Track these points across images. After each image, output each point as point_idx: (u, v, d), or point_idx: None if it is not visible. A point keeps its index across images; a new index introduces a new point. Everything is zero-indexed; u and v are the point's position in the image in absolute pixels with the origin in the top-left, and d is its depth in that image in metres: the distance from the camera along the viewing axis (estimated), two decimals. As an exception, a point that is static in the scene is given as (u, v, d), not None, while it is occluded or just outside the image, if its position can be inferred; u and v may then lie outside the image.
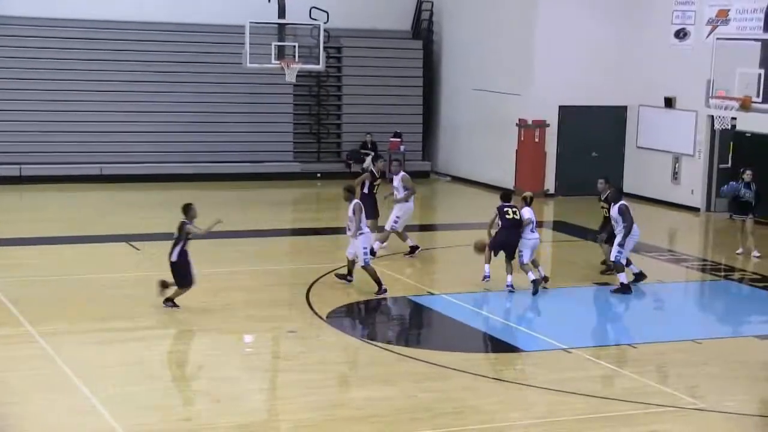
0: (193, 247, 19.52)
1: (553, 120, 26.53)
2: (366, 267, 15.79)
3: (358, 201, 15.99)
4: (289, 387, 12.46)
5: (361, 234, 15.74)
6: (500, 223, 16.66)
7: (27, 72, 26.40)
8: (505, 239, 16.58)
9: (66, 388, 11.79)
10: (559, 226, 23.15)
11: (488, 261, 16.55)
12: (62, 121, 26.74)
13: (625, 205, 16.80)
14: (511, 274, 16.53)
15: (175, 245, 15.10)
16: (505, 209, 16.64)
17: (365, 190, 18.86)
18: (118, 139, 27.06)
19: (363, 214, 15.87)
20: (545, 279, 16.91)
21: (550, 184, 26.69)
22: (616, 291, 16.66)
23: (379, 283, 15.78)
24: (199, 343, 13.75)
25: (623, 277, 16.66)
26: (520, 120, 26.64)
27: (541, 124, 26.48)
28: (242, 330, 14.53)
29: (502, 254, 16.50)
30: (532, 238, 16.62)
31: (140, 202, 24.31)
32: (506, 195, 17.14)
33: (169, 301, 14.98)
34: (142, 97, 27.23)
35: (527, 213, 16.78)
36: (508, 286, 16.50)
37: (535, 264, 16.74)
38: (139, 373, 12.40)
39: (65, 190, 25.31)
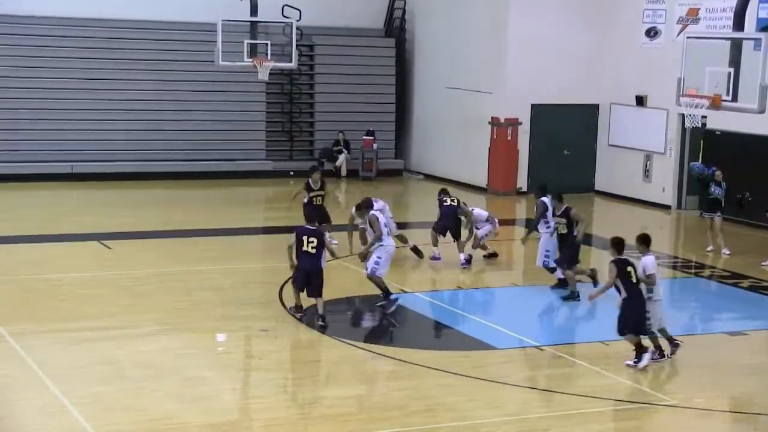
0: (165, 245, 19.55)
1: (525, 118, 26.61)
2: (371, 277, 15.27)
3: (374, 212, 15.58)
4: (261, 386, 12.43)
5: (381, 245, 15.21)
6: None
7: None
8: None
9: (37, 389, 11.70)
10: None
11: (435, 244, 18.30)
12: (32, 119, 26.52)
13: (541, 201, 16.81)
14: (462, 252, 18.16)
15: (320, 252, 14.41)
16: (444, 199, 18.48)
17: (305, 201, 18.72)
18: (90, 137, 26.90)
19: (381, 224, 15.31)
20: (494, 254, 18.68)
21: (522, 182, 26.76)
22: (556, 287, 16.65)
23: (386, 291, 15.27)
24: (171, 342, 13.69)
25: (559, 273, 16.69)
26: (492, 118, 26.70)
27: (514, 122, 26.55)
28: (214, 329, 14.48)
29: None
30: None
31: (112, 200, 24.18)
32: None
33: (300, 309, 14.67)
34: (113, 95, 27.06)
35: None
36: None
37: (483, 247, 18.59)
38: (111, 373, 12.34)
39: (35, 189, 25.12)
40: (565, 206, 16.34)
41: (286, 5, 26.25)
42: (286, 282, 16.20)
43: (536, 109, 26.56)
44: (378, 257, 15.25)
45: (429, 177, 28.68)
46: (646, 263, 13.04)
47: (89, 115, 26.95)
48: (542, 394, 12.06)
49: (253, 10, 23.63)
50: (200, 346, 13.61)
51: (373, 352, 13.40)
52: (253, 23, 23.66)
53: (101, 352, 13.11)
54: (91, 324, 14.33)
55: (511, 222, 23.83)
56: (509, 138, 26.63)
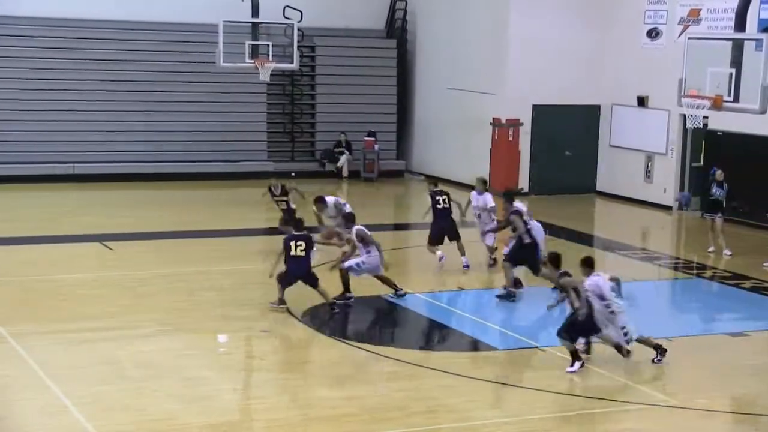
0: (166, 246, 19.55)
1: (526, 119, 26.60)
2: (343, 271, 15.46)
3: (358, 227, 15.53)
4: (262, 386, 12.42)
5: (369, 255, 15.33)
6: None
7: (-1, 71, 26.28)
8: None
9: (37, 389, 11.69)
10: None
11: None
12: (34, 120, 26.53)
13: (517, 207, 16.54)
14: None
15: (309, 254, 15.04)
16: (438, 199, 17.96)
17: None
18: (91, 139, 26.91)
19: (370, 235, 15.41)
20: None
21: (524, 182, 26.74)
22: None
23: (347, 289, 15.48)
24: (172, 342, 13.68)
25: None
26: (494, 119, 26.70)
27: (515, 123, 26.54)
28: (215, 330, 14.47)
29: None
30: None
31: (113, 201, 24.18)
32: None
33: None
34: (115, 96, 27.07)
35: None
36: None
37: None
38: (111, 373, 12.33)
39: (37, 190, 25.13)
40: (512, 210, 16.23)
41: (288, 6, 26.25)
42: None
43: (537, 109, 26.55)
44: (362, 262, 15.38)
45: (430, 178, 28.62)
46: (587, 285, 12.84)
47: (91, 116, 26.95)
48: (543, 394, 12.03)
49: (255, 12, 23.65)
50: (201, 347, 13.60)
51: (374, 353, 13.38)
52: (255, 24, 23.67)
53: (102, 352, 13.10)
54: (91, 324, 14.33)
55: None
56: (510, 139, 26.62)
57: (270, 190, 19.26)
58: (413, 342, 14.50)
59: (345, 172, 28.49)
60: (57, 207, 23.50)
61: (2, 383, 11.98)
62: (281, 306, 14.92)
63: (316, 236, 16.11)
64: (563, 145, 26.72)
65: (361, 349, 13.59)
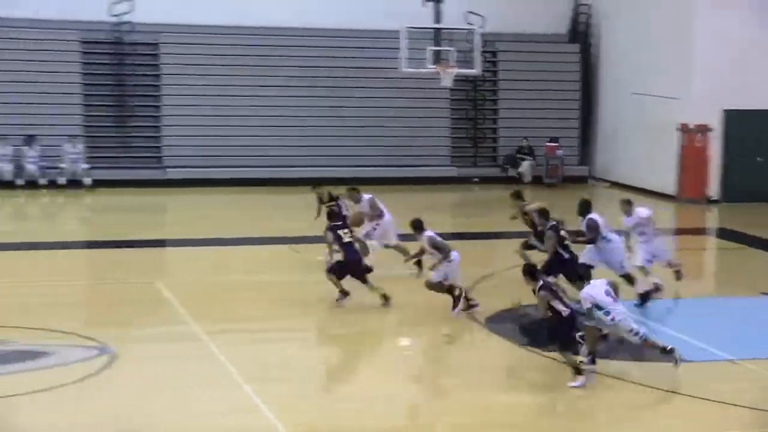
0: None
1: (716, 124, 25.70)
2: (433, 284, 15.17)
3: (427, 233, 15.45)
4: (444, 391, 12.45)
5: (448, 262, 15.09)
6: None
7: (191, 78, 27.25)
8: None
9: (230, 387, 12.03)
10: (724, 234, 22.43)
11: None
12: (229, 126, 27.34)
13: (593, 219, 15.66)
14: None
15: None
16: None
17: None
18: (279, 143, 27.63)
19: (441, 241, 15.31)
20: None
21: (713, 190, 25.88)
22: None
23: (451, 292, 15.11)
24: (356, 345, 13.90)
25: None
26: (681, 125, 25.92)
27: (704, 129, 25.69)
28: (397, 334, 14.60)
29: None
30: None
31: (300, 205, 24.74)
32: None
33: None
34: (298, 102, 27.71)
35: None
36: None
37: None
38: (295, 373, 12.58)
39: (228, 193, 26.03)
40: (550, 224, 15.48)
41: (470, 12, 26.29)
42: (469, 289, 16.05)
43: (728, 114, 25.62)
44: (444, 273, 15.02)
45: (615, 184, 28.09)
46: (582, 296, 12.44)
47: (278, 122, 27.67)
48: (737, 409, 11.56)
49: (437, 17, 23.80)
50: (384, 350, 13.76)
51: (560, 362, 13.18)
52: (437, 30, 23.83)
53: (289, 352, 13.42)
54: (279, 324, 14.74)
55: (701, 231, 23.13)
56: (698, 145, 25.79)
57: (327, 197, 18.88)
58: (601, 352, 14.15)
59: (527, 178, 28.28)
60: (248, 210, 24.28)
61: (198, 381, 12.39)
62: (344, 298, 14.99)
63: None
64: (756, 151, 25.67)
65: (546, 357, 13.41)
